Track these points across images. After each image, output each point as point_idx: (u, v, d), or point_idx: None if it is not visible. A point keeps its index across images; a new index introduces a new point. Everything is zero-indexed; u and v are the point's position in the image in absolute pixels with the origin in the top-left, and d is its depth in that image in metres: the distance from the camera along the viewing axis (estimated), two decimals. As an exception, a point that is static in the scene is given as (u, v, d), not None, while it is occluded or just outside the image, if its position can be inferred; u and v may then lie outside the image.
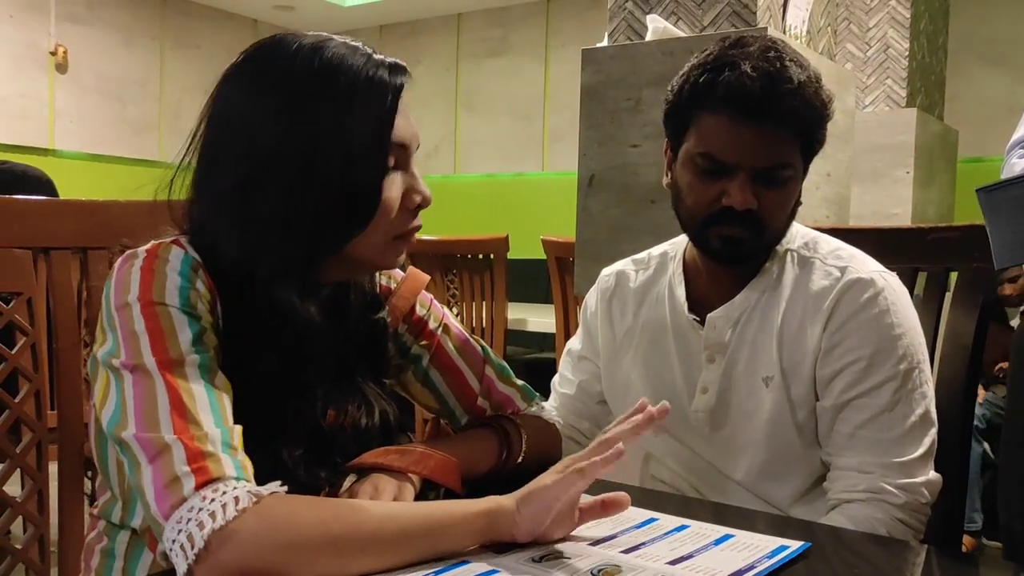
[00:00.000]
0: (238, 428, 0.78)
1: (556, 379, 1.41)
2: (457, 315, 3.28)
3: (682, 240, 1.29)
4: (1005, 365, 2.58)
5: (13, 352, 1.13)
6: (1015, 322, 2.64)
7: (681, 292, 1.25)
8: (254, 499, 0.72)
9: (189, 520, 0.70)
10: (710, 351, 1.20)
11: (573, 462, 0.80)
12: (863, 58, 3.60)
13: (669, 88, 1.18)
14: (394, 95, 0.87)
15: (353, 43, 0.89)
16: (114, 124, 5.68)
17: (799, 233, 1.22)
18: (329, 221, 0.86)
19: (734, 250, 1.15)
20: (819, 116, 1.12)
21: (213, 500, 0.71)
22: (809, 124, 1.12)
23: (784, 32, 2.25)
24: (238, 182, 0.86)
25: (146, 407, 0.77)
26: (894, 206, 3.39)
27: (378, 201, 0.86)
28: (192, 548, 0.69)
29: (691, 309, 1.23)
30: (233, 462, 0.75)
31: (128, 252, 0.86)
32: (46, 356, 1.18)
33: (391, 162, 0.88)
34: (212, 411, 0.77)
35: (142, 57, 5.84)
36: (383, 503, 0.82)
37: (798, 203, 1.18)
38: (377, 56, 0.89)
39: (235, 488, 0.72)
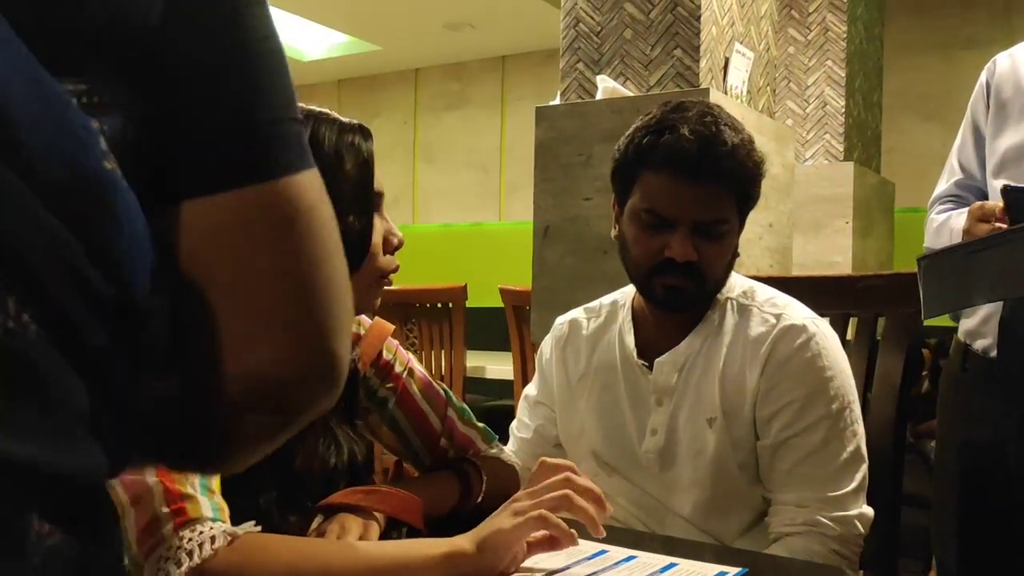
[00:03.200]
0: (215, 483, 0.83)
1: (514, 424, 1.47)
2: (416, 363, 3.32)
3: (631, 289, 1.37)
4: None
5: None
6: None
7: (630, 339, 1.32)
8: (229, 539, 0.76)
9: (168, 559, 0.74)
10: (658, 394, 1.27)
11: (526, 499, 0.86)
12: (803, 115, 3.78)
13: (616, 148, 1.26)
14: (369, 154, 0.97)
15: (319, 111, 0.97)
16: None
17: (738, 283, 1.31)
18: None
19: (677, 299, 1.23)
20: (752, 175, 1.22)
21: (191, 540, 0.75)
22: (743, 182, 1.21)
23: (726, 92, 2.38)
24: None
25: None
26: (835, 255, 3.54)
27: (368, 245, 0.95)
28: None
29: (640, 355, 1.30)
30: (211, 503, 0.79)
31: None
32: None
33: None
34: None
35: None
36: (350, 544, 0.86)
37: (735, 255, 1.27)
38: (345, 120, 0.98)
39: (212, 528, 0.77)
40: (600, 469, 1.35)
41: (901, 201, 4.21)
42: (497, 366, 3.37)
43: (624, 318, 1.35)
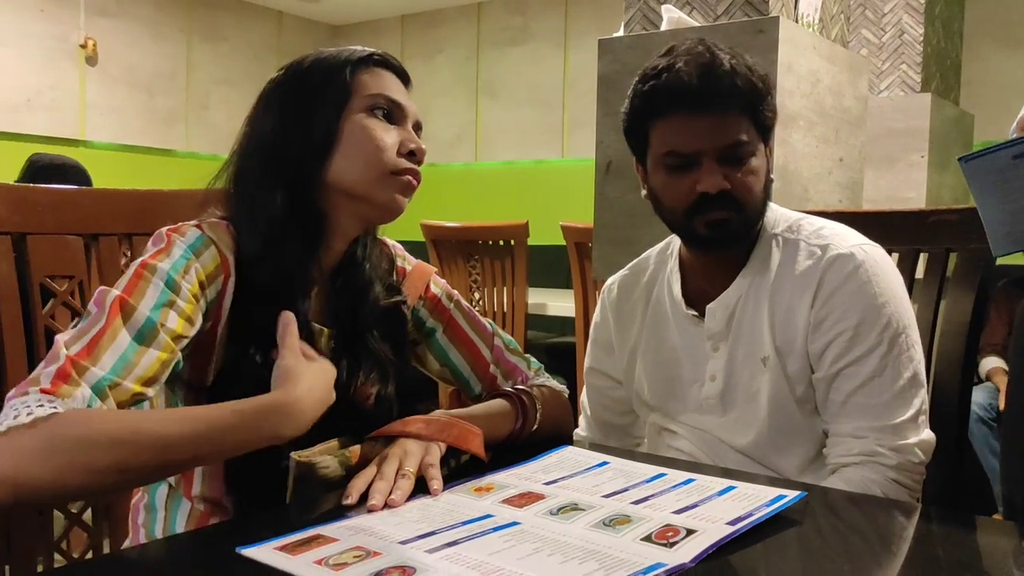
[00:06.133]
0: (132, 386, 0.84)
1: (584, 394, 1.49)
2: (479, 300, 3.36)
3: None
4: None
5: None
6: None
7: (677, 289, 1.32)
8: (52, 412, 0.75)
9: (7, 414, 0.76)
10: (713, 340, 1.27)
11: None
12: (878, 44, 3.62)
13: (622, 111, 1.26)
14: (358, 62, 1.03)
15: (360, 49, 1.06)
16: (143, 115, 5.79)
17: (783, 217, 1.29)
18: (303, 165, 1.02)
19: (721, 233, 1.21)
20: (758, 92, 1.20)
21: (27, 405, 0.76)
22: (750, 101, 1.19)
23: (796, 20, 2.30)
24: (252, 179, 1.00)
25: (81, 327, 0.85)
26: (909, 190, 3.42)
27: (335, 135, 1.00)
28: None
29: (690, 303, 1.30)
30: (89, 399, 0.80)
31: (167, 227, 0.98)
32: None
33: (375, 112, 1.02)
34: (120, 358, 0.84)
35: (170, 49, 5.95)
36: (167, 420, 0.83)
37: (770, 180, 1.25)
38: (370, 50, 1.05)
39: (52, 405, 0.76)
40: (663, 419, 1.35)
41: (981, 134, 4.03)
42: (559, 303, 3.38)
43: (672, 267, 1.35)
